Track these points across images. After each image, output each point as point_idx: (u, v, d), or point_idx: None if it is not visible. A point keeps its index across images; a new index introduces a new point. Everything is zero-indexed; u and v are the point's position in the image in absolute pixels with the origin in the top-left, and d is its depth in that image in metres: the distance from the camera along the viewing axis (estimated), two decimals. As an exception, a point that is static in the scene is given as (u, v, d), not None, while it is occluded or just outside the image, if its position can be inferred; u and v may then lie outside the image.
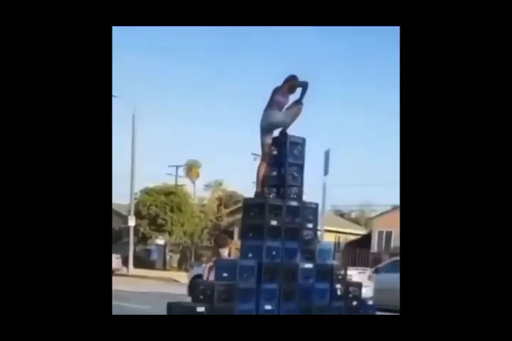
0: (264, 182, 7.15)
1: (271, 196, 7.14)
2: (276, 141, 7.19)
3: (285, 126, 7.19)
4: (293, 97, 7.27)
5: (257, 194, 7.11)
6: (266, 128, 7.08)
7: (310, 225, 7.13)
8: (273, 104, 7.09)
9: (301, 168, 7.26)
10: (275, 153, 7.25)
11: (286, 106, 7.17)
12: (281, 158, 7.16)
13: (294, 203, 7.02)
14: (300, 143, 7.26)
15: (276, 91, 7.16)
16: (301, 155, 7.27)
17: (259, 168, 7.16)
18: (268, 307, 6.37)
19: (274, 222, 6.69)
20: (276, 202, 6.83)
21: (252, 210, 6.86)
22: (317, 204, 7.44)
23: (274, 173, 7.22)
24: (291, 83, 7.18)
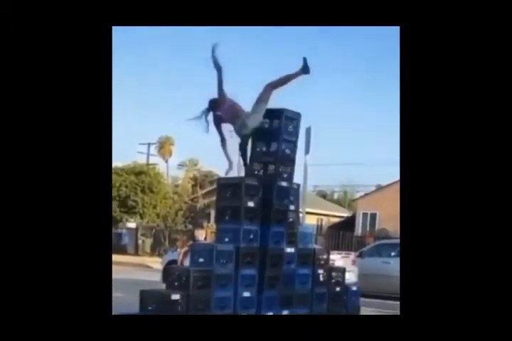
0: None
1: (256, 173, 6.95)
2: (269, 114, 6.87)
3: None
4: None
5: None
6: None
7: (292, 207, 7.02)
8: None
9: (294, 145, 7.04)
10: (266, 126, 6.96)
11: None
12: (274, 133, 6.91)
13: (284, 183, 6.84)
14: (295, 119, 7.04)
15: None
16: (296, 132, 7.05)
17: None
18: (246, 294, 6.39)
19: (250, 204, 6.55)
20: (253, 182, 6.66)
21: (227, 191, 6.71)
22: (299, 185, 7.32)
23: (264, 149, 6.98)
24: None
